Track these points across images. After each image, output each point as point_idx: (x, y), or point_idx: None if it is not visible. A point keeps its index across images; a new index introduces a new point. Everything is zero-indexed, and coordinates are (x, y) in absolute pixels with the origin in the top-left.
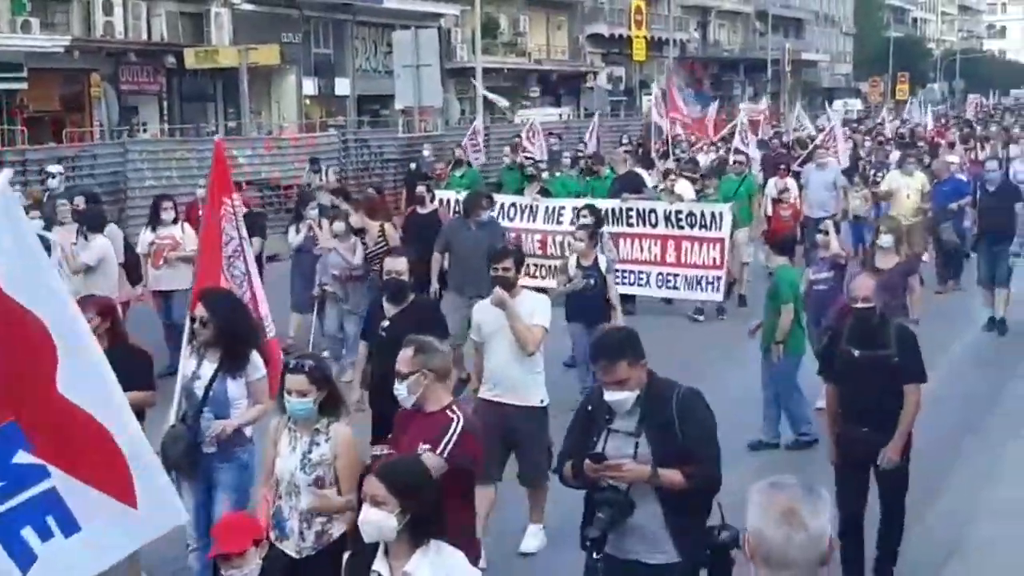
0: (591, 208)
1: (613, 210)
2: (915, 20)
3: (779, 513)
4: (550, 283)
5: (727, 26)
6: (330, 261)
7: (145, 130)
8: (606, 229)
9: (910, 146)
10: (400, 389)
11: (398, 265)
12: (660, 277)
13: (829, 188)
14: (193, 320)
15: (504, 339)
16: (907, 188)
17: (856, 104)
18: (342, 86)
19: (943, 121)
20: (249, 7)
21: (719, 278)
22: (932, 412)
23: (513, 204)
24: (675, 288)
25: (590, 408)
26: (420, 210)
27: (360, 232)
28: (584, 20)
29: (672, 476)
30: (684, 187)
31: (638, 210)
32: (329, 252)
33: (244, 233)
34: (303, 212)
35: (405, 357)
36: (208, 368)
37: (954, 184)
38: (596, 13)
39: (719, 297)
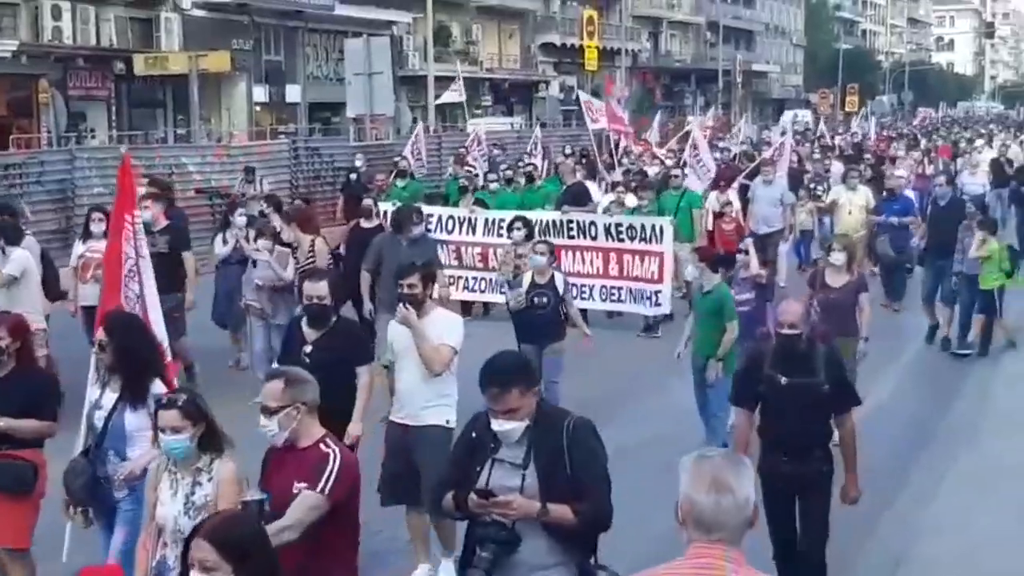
0: (523, 220)
1: (554, 222)
2: (865, 32)
3: (708, 480)
4: (492, 297)
5: (679, 37)
6: (255, 273)
7: (93, 136)
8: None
9: (854, 160)
10: (270, 425)
11: (319, 290)
12: (604, 290)
13: (775, 204)
14: (93, 344)
15: (412, 359)
16: (850, 204)
17: (807, 115)
18: (293, 93)
19: (887, 134)
20: (199, 13)
21: (659, 292)
22: (878, 429)
23: (451, 217)
24: (620, 301)
25: (475, 435)
26: (364, 224)
27: (291, 246)
28: (536, 29)
29: (562, 512)
30: (633, 200)
31: (579, 222)
32: (256, 264)
33: (143, 252)
34: (231, 220)
35: (275, 391)
36: (110, 397)
37: (904, 202)
38: (548, 23)
39: (663, 311)
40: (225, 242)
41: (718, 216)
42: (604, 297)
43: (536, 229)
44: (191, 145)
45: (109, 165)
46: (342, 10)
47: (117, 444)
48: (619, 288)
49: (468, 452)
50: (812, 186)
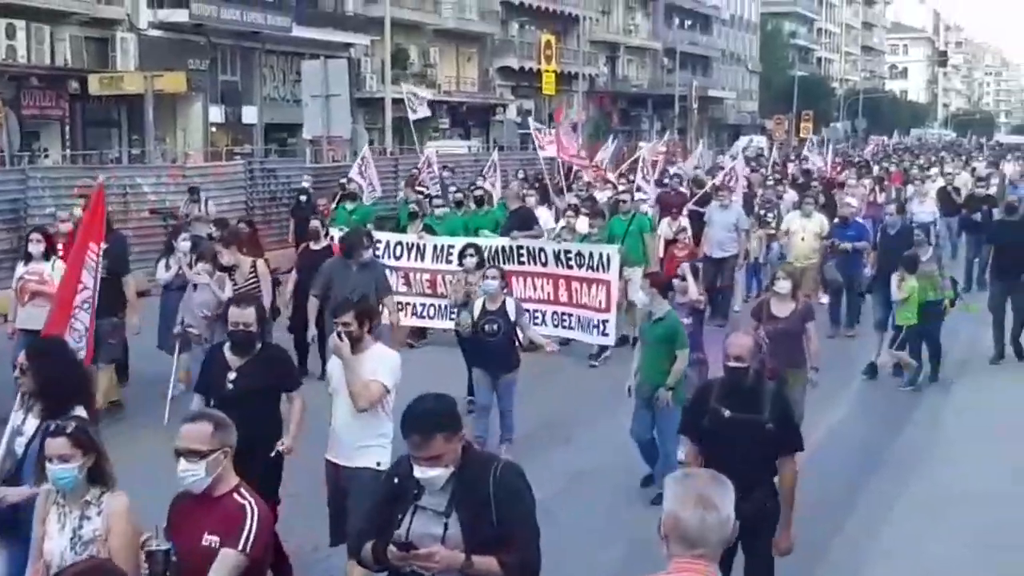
0: (475, 247)
1: (504, 248)
2: (819, 60)
3: (694, 498)
4: (441, 324)
5: (635, 62)
6: (196, 299)
7: (47, 156)
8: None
9: (806, 187)
10: (195, 470)
11: (246, 316)
12: (555, 316)
13: (730, 229)
14: (14, 367)
15: (345, 396)
16: (803, 230)
17: (761, 141)
18: (249, 114)
19: (839, 161)
20: (156, 33)
21: (606, 321)
22: (829, 455)
23: (399, 243)
24: (570, 328)
25: (397, 481)
26: (313, 246)
27: (231, 269)
28: (494, 53)
29: (487, 564)
30: (584, 225)
31: (528, 248)
32: (196, 288)
33: (98, 286)
34: (174, 245)
35: (203, 434)
36: (32, 424)
37: (857, 228)
38: (506, 46)
39: (609, 341)
40: (168, 267)
41: (671, 243)
42: (556, 323)
43: (486, 255)
44: (146, 165)
45: (62, 185)
46: (299, 32)
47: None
48: (569, 315)
49: (390, 499)
50: (762, 213)
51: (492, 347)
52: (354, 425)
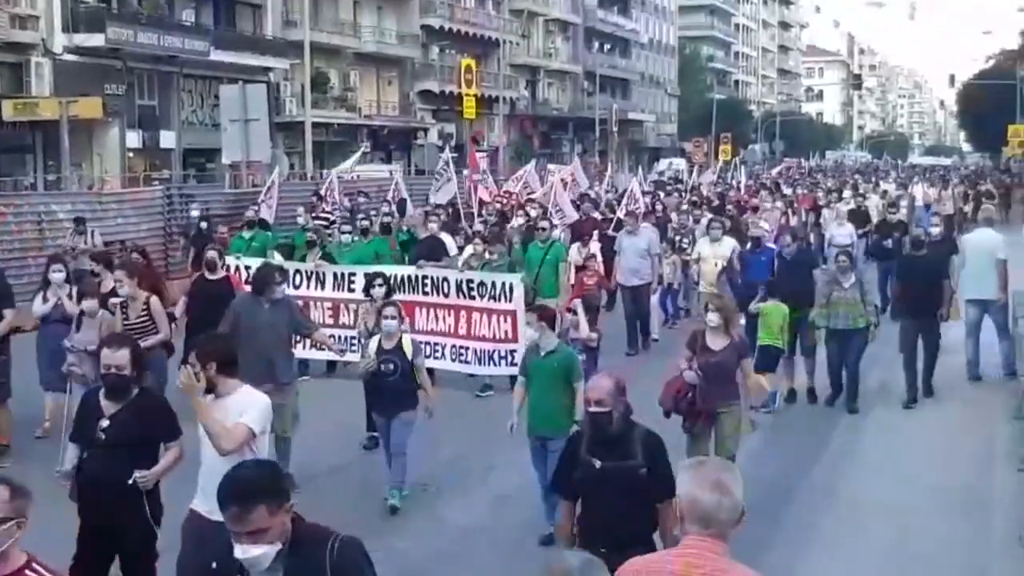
0: (383, 277)
1: (409, 277)
2: (737, 83)
3: (710, 482)
4: (344, 356)
5: (556, 85)
6: (78, 337)
7: None
8: (399, 297)
9: (719, 211)
10: None
11: (118, 359)
12: (454, 349)
13: (642, 255)
14: None
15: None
16: (714, 256)
17: (681, 164)
18: (167, 139)
19: (751, 184)
20: (71, 58)
21: (514, 351)
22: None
23: (298, 271)
24: (467, 362)
25: (216, 565)
26: (209, 276)
27: (124, 302)
28: (415, 77)
29: None
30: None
31: (433, 278)
32: (80, 327)
33: None
34: (49, 277)
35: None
36: None
37: (768, 253)
38: (426, 70)
39: (515, 371)
40: (45, 300)
41: (580, 269)
42: (453, 357)
43: (393, 284)
44: (62, 192)
45: None
46: (218, 56)
47: None
48: (466, 348)
49: None
50: (677, 238)
51: (389, 387)
52: (223, 473)
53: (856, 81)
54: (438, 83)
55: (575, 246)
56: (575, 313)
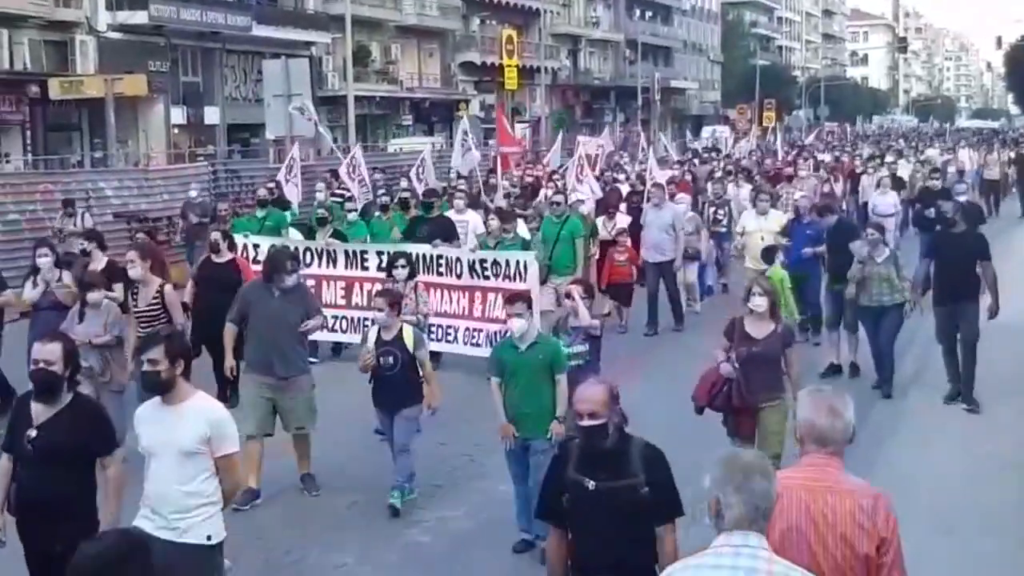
0: (406, 257)
1: (423, 256)
2: (780, 48)
3: (826, 407)
4: (354, 338)
5: (597, 54)
6: (77, 330)
7: (8, 161)
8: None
9: (752, 179)
10: None
11: (47, 353)
12: (467, 332)
13: (666, 230)
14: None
15: (167, 455)
16: (760, 230)
17: (725, 131)
18: (211, 115)
19: (788, 151)
20: (115, 36)
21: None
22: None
23: (308, 249)
24: (478, 345)
25: None
26: (215, 259)
27: (135, 286)
28: (456, 48)
29: None
30: (521, 228)
31: (447, 258)
32: (83, 317)
33: None
34: (36, 262)
35: None
36: None
37: (816, 227)
38: (468, 42)
39: None
40: (35, 284)
41: (609, 244)
42: (466, 340)
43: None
44: (108, 169)
45: (23, 191)
46: (260, 31)
47: None
48: (479, 331)
49: None
50: (712, 210)
51: (388, 382)
52: (176, 492)
53: (901, 44)
54: (479, 54)
55: (601, 220)
56: (571, 297)
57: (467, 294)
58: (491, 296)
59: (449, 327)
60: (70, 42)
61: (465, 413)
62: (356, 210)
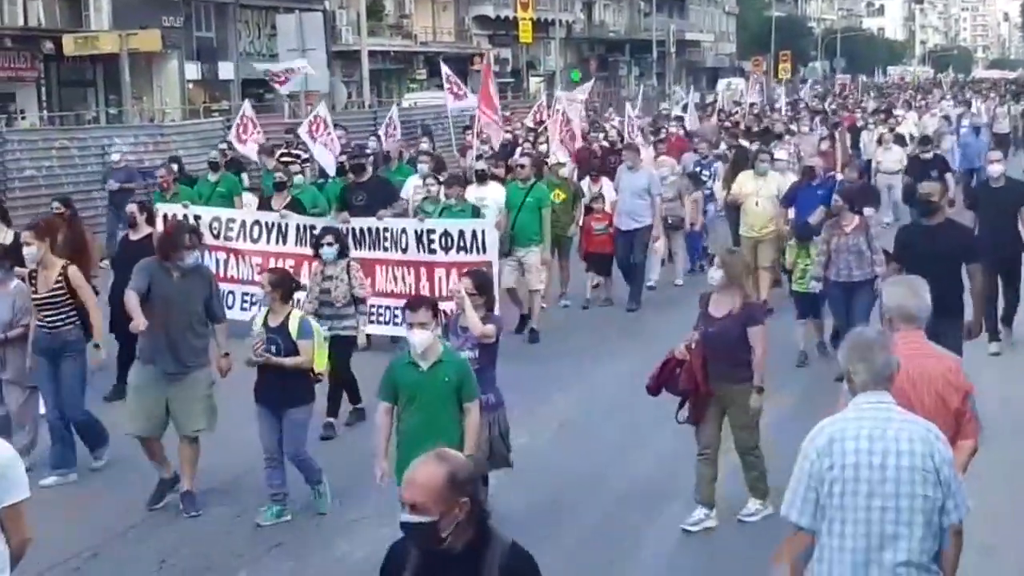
0: (335, 233)
1: (369, 230)
2: None
3: (910, 291)
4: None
5: (612, 7)
6: None
7: (23, 118)
8: (356, 255)
9: (764, 136)
10: None
11: None
12: None
13: (641, 195)
14: None
15: None
16: (757, 193)
17: (740, 83)
18: (226, 70)
19: (789, 105)
20: None
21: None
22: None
23: (256, 222)
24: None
25: None
26: (132, 236)
27: (32, 272)
28: (470, 1)
29: None
30: (495, 191)
31: (393, 230)
32: None
33: None
34: None
35: None
36: None
37: (827, 188)
38: None
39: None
40: None
41: (587, 211)
42: None
43: (350, 240)
44: (123, 125)
45: (40, 148)
46: None
47: None
48: None
49: None
50: (698, 169)
51: (272, 376)
52: None
53: None
54: (494, 7)
55: (586, 182)
56: (460, 297)
57: (413, 271)
58: (439, 272)
59: (396, 308)
60: None
61: None
62: (301, 173)
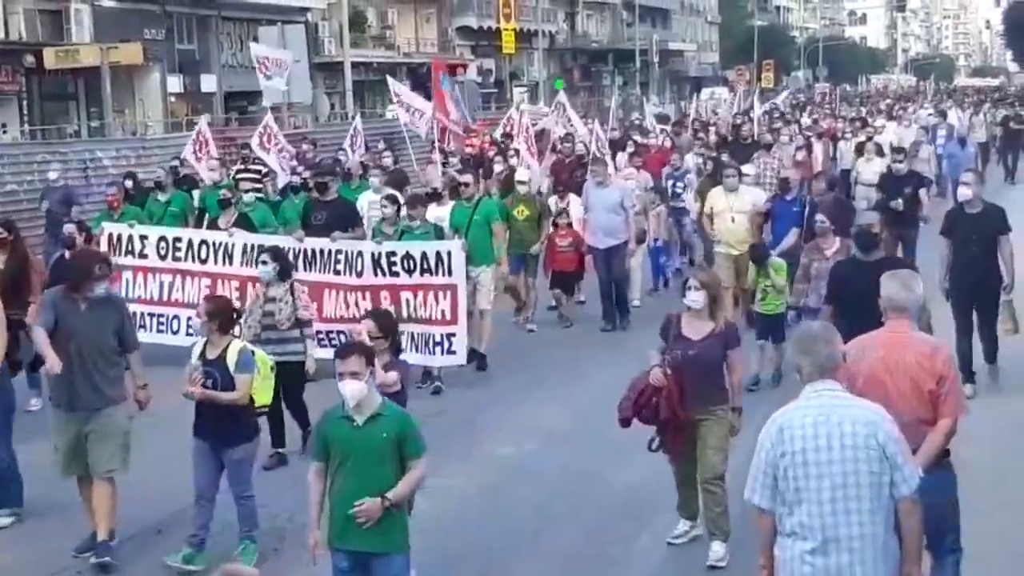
0: (273, 253)
1: (322, 251)
2: (778, 8)
3: (900, 284)
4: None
5: (595, 17)
6: None
7: (5, 132)
8: (306, 277)
9: (749, 146)
10: None
11: None
12: None
13: (615, 210)
14: None
15: None
16: (730, 209)
17: (724, 93)
18: (208, 83)
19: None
20: (110, 4)
21: (452, 335)
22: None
23: (204, 241)
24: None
25: None
26: (69, 257)
27: None
28: (453, 13)
29: None
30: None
31: (347, 253)
32: None
33: None
34: None
35: None
36: None
37: (800, 202)
38: (464, 5)
39: (459, 360)
40: None
41: (553, 228)
42: None
43: (300, 261)
44: (106, 139)
45: (22, 162)
46: None
47: None
48: (399, 334)
49: None
50: (670, 183)
51: (211, 409)
52: None
53: (900, 3)
54: (476, 18)
55: (553, 199)
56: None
57: (369, 295)
58: (405, 295)
59: (352, 333)
60: (65, 11)
61: (465, 377)
62: (261, 189)
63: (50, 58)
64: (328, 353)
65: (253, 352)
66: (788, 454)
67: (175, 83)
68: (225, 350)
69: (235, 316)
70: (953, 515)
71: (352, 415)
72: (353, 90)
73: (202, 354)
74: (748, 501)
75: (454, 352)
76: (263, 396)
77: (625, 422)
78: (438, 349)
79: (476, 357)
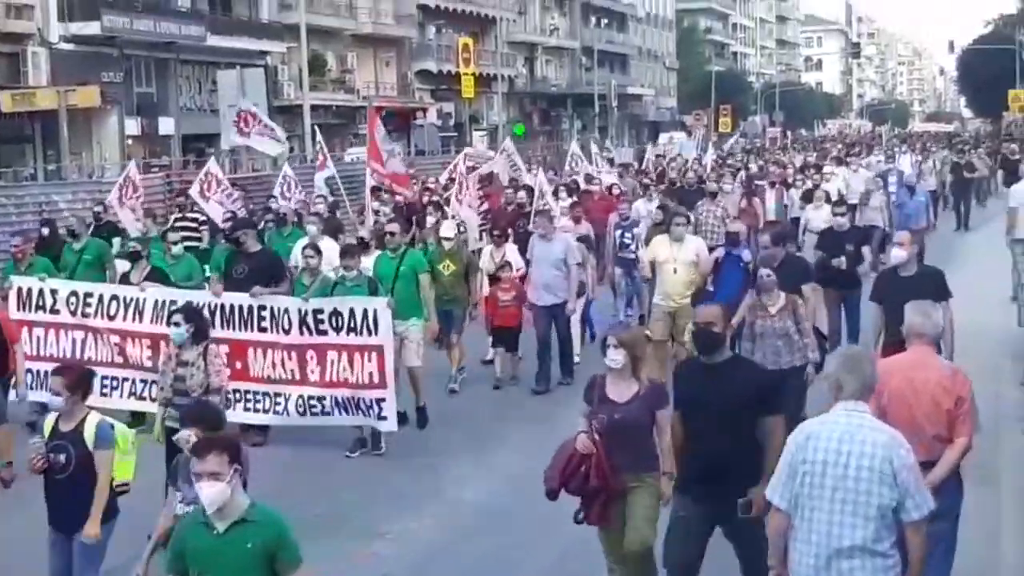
0: (187, 312)
1: (242, 307)
2: (735, 54)
3: (921, 312)
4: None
5: (554, 62)
6: None
7: None
8: (226, 335)
9: (694, 193)
10: None
11: None
12: (302, 401)
13: (558, 266)
14: None
15: None
16: (674, 260)
17: (682, 137)
18: (166, 125)
19: (719, 160)
20: (67, 47)
21: (382, 400)
22: None
23: (115, 296)
24: (326, 414)
25: None
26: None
27: None
28: (412, 57)
29: None
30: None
31: (272, 309)
32: None
33: None
34: None
35: None
36: None
37: (747, 256)
38: (424, 50)
39: (390, 427)
40: None
41: (494, 280)
42: (303, 410)
43: (218, 317)
44: (62, 182)
45: None
46: (214, 41)
47: None
48: (321, 398)
49: None
50: (618, 232)
51: (62, 487)
52: None
53: (855, 50)
54: (436, 63)
55: (488, 249)
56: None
57: (295, 355)
58: (331, 355)
59: (277, 395)
60: (22, 54)
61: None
62: (198, 238)
63: (7, 101)
64: (254, 418)
65: (112, 426)
66: (809, 463)
67: (133, 126)
68: (82, 422)
69: (92, 377)
70: (953, 528)
71: (212, 521)
72: (312, 133)
73: (54, 427)
74: (768, 500)
75: (385, 418)
76: (123, 472)
77: (552, 494)
78: (370, 412)
79: (418, 413)
